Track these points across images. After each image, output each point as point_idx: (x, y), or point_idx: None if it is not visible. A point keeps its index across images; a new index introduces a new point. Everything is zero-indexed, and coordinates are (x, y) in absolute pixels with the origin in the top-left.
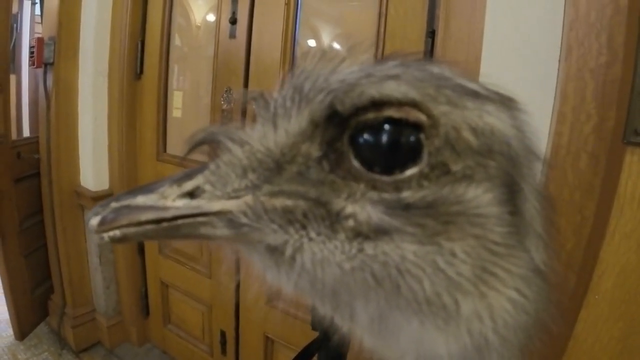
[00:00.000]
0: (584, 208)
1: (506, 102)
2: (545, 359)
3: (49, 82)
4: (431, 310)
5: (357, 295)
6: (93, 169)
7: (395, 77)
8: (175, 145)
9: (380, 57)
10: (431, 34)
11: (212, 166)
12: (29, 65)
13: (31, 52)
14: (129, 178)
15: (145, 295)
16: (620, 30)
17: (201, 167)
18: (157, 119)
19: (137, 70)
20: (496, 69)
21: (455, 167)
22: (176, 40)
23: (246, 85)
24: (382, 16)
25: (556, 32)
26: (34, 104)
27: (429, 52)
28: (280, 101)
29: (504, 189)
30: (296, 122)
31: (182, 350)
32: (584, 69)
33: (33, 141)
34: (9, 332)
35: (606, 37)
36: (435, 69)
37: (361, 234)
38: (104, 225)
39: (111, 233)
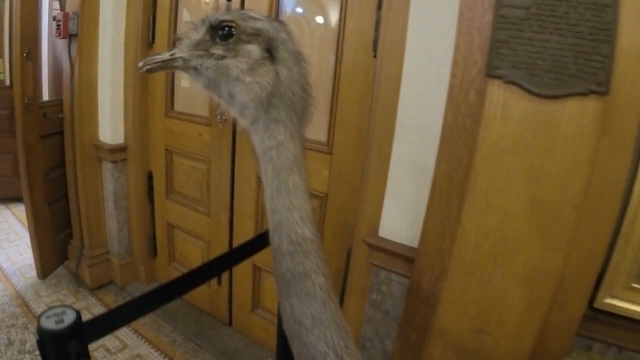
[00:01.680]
0: (474, 132)
1: (271, 20)
2: (441, 235)
3: (73, 51)
4: (237, 81)
5: (221, 82)
6: (110, 125)
7: (228, 14)
8: (180, 104)
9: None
10: None
11: (178, 45)
12: (56, 37)
13: (57, 25)
14: (142, 133)
15: (154, 237)
16: None
17: (176, 46)
18: (165, 82)
19: (150, 40)
20: (423, 34)
21: (245, 38)
22: (184, 15)
23: None
24: None
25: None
26: (52, 71)
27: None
28: (210, 19)
29: (265, 46)
30: (203, 29)
31: None
32: (471, 27)
33: (57, 103)
34: (32, 273)
35: (488, 2)
36: (244, 12)
37: (219, 58)
38: (141, 67)
39: (144, 68)
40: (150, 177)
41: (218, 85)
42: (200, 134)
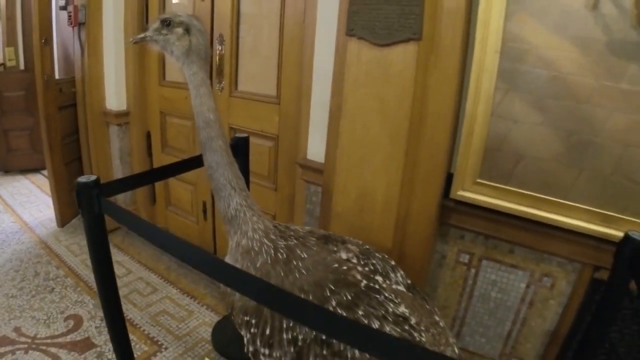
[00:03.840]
0: (342, 72)
1: (190, 17)
2: (332, 147)
3: (83, 36)
4: (173, 45)
5: (166, 46)
6: (115, 95)
7: (168, 14)
8: (171, 75)
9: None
10: None
11: (151, 28)
12: (68, 25)
13: (69, 16)
14: (141, 99)
15: (153, 186)
16: None
17: (150, 28)
18: (158, 58)
19: (144, 25)
20: (325, 11)
21: (176, 25)
22: (171, 6)
23: (212, 29)
24: None
25: None
26: (61, 53)
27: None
28: (160, 18)
29: (185, 28)
30: (158, 22)
31: (179, 225)
32: (341, 5)
33: (69, 80)
34: (52, 225)
35: None
36: (175, 13)
37: (164, 34)
38: (131, 41)
39: (132, 41)
40: (148, 136)
41: (165, 47)
42: (185, 97)
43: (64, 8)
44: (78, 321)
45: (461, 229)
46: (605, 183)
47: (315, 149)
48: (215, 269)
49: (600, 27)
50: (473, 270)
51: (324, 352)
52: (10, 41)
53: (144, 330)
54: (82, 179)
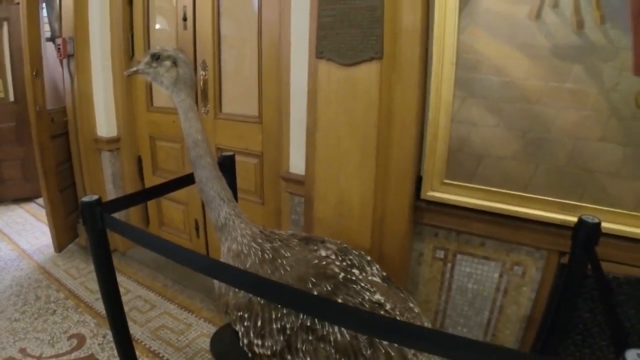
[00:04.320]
0: (315, 91)
1: (176, 51)
2: (310, 159)
3: (72, 67)
4: (162, 76)
5: (156, 77)
6: (105, 122)
7: (157, 50)
8: (158, 101)
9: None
10: None
11: (142, 62)
12: (57, 57)
13: (58, 48)
14: (130, 125)
15: (146, 208)
16: None
17: (141, 62)
18: (144, 86)
19: (130, 54)
20: (297, 36)
21: (164, 59)
22: (155, 35)
23: (195, 56)
24: None
25: None
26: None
27: None
28: (150, 52)
29: (172, 61)
30: (148, 56)
31: None
32: (312, 30)
33: (60, 110)
34: (49, 251)
35: (314, 16)
36: (163, 48)
37: (154, 67)
38: (125, 74)
39: (126, 74)
40: (139, 160)
41: (155, 79)
42: (173, 121)
43: (50, 40)
44: (81, 339)
45: (434, 227)
46: (561, 174)
47: (297, 162)
48: (211, 269)
49: (544, 35)
50: (449, 265)
51: (310, 337)
52: None
53: (145, 344)
54: (85, 198)
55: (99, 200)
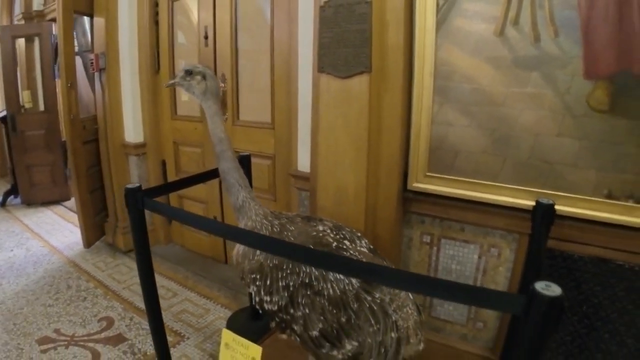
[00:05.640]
0: (318, 99)
1: (205, 68)
2: (314, 156)
3: (103, 79)
4: (194, 87)
5: (189, 88)
6: (133, 129)
7: (190, 66)
8: (181, 110)
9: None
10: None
11: (178, 76)
12: (90, 71)
13: (91, 63)
14: (156, 132)
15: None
16: None
17: (177, 77)
18: (169, 97)
19: (156, 68)
20: (303, 50)
21: (196, 74)
22: (179, 51)
23: (216, 69)
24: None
25: None
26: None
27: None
28: (184, 69)
29: (202, 76)
30: (183, 71)
31: (193, 240)
32: (314, 49)
33: (91, 118)
34: (78, 247)
35: (316, 35)
36: (195, 65)
37: (188, 81)
38: (166, 85)
39: (166, 85)
40: (163, 163)
41: (188, 89)
42: (195, 128)
43: (77, 54)
44: (110, 322)
45: (421, 214)
46: (525, 166)
47: (304, 162)
48: (235, 234)
49: (507, 48)
50: (435, 249)
51: (308, 292)
52: (29, 85)
53: (168, 325)
54: (129, 185)
55: (139, 187)
